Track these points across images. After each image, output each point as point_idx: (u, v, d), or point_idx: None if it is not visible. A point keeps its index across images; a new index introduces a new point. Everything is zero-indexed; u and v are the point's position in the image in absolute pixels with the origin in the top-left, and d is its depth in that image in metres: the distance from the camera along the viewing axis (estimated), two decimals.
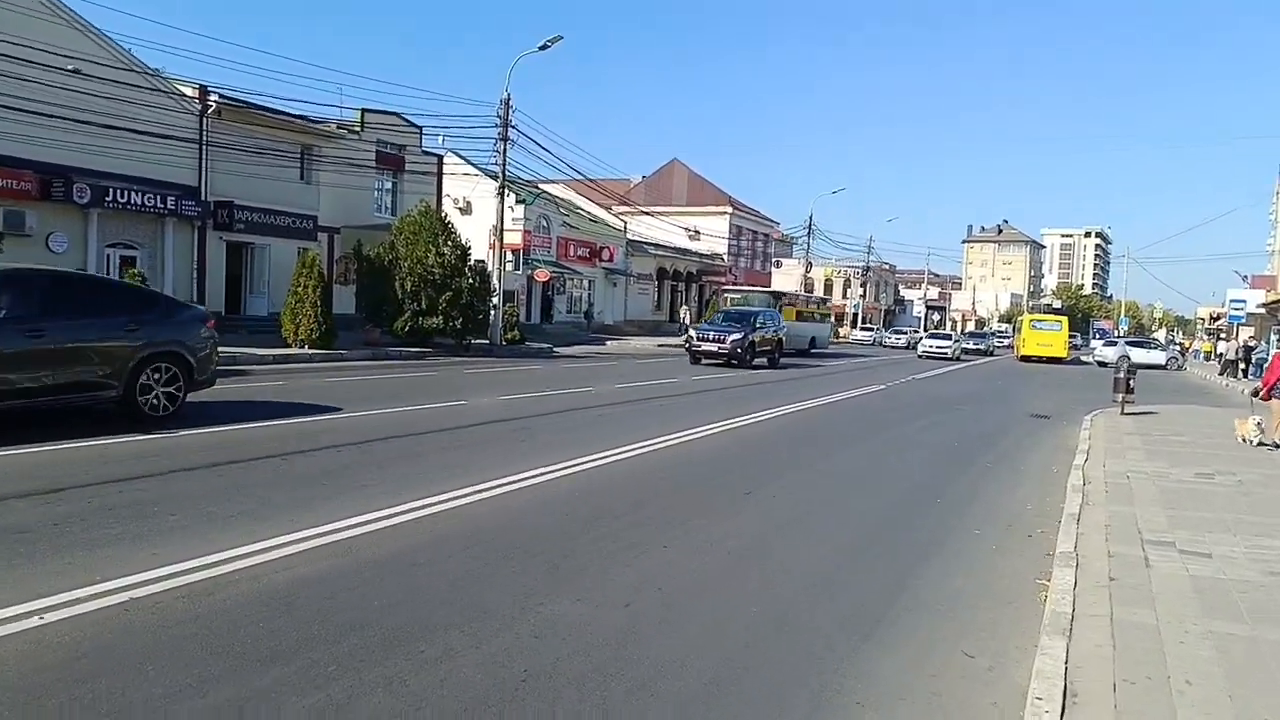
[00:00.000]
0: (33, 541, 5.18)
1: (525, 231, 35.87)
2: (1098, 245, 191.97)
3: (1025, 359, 41.38)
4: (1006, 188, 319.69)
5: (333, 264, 29.30)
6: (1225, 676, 3.93)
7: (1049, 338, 42.45)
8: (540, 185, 41.65)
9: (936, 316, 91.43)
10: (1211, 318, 72.10)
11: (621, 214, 53.12)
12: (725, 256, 60.84)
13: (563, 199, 46.45)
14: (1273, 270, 52.05)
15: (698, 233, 58.52)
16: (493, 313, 27.57)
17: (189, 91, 24.42)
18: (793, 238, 66.61)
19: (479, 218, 35.25)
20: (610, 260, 47.27)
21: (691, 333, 26.78)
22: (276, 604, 4.42)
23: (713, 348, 24.97)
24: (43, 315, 8.55)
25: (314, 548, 5.36)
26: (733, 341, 24.76)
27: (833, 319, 53.59)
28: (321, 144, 28.84)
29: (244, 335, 22.45)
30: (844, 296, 74.59)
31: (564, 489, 7.57)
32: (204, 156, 24.74)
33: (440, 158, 34.88)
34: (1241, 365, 35.96)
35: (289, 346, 21.02)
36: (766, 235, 69.74)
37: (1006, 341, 60.65)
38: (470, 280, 25.61)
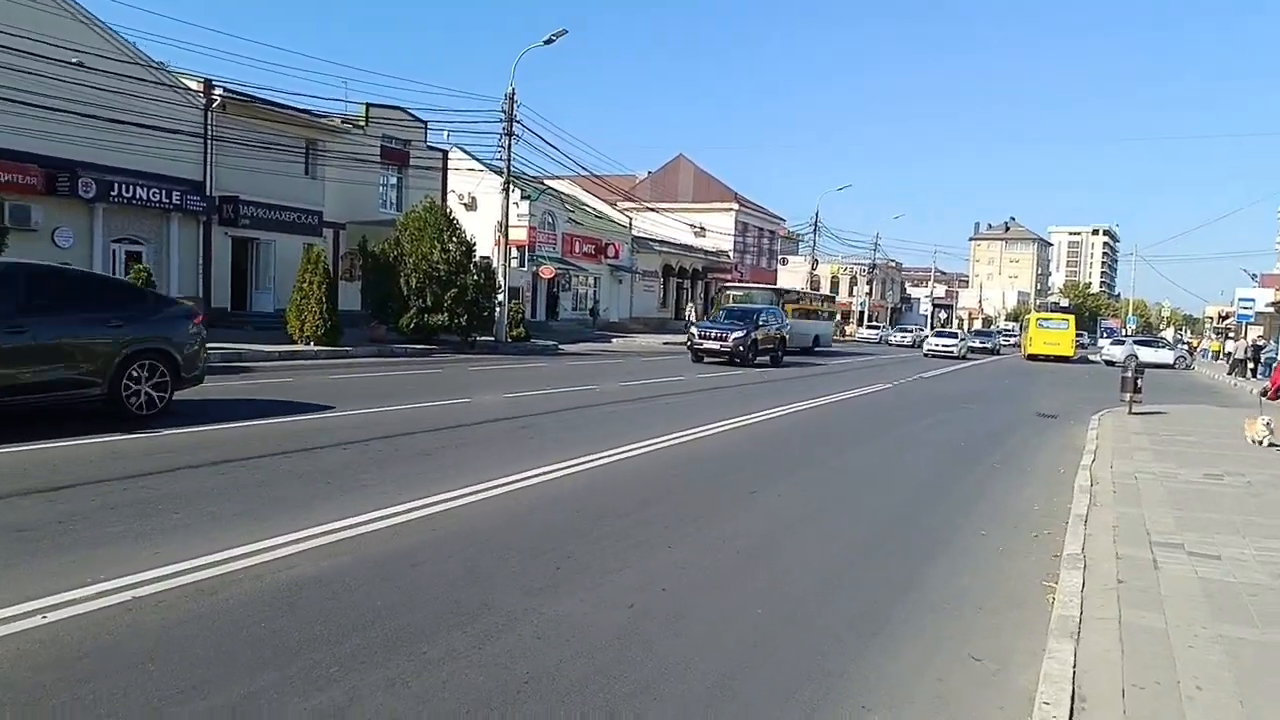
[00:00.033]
0: (35, 540, 5.18)
1: (530, 228, 35.86)
2: (1105, 243, 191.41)
3: (1032, 357, 41.19)
4: (1014, 185, 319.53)
5: (338, 260, 29.28)
6: (1235, 681, 3.88)
7: (1056, 336, 42.27)
8: (545, 181, 41.64)
9: (943, 314, 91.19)
10: (1220, 316, 71.82)
11: (627, 210, 53.06)
12: (731, 253, 60.71)
13: (568, 195, 46.43)
14: None
15: (703, 229, 58.34)
16: (498, 310, 27.49)
17: (194, 85, 24.41)
18: (799, 235, 66.47)
19: (484, 214, 35.20)
20: (616, 257, 47.21)
21: (693, 330, 26.66)
22: (279, 604, 4.41)
23: (715, 346, 24.84)
24: (23, 311, 8.35)
25: (317, 547, 5.34)
26: (735, 339, 24.62)
27: (837, 316, 53.49)
28: (327, 139, 28.82)
29: (249, 331, 22.49)
30: (850, 294, 74.46)
31: (569, 488, 7.54)
32: (209, 151, 24.73)
33: (445, 153, 34.78)
34: (1250, 365, 35.73)
35: (294, 343, 21.02)
36: (772, 232, 69.59)
37: (1013, 340, 60.43)
38: (475, 277, 25.58)
